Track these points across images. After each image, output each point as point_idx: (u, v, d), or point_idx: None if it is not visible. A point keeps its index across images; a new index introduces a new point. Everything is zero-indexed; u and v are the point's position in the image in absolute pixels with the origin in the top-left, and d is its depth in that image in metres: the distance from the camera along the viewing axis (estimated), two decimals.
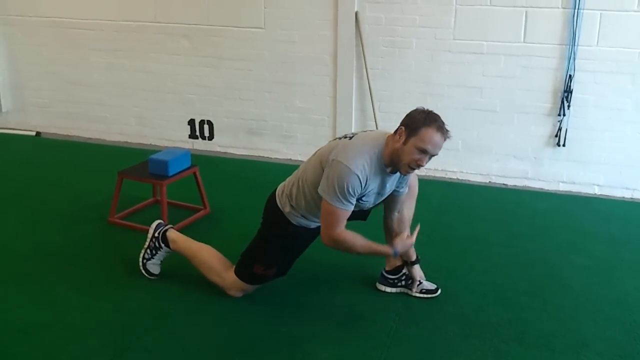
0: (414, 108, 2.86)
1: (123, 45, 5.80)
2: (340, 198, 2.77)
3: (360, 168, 2.75)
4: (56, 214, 4.28)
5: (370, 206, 3.04)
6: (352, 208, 2.83)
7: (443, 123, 2.77)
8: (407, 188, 3.13)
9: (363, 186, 2.79)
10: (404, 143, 2.76)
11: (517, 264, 3.70)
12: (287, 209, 3.05)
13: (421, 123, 2.74)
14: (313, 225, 3.09)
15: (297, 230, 3.08)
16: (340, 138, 2.97)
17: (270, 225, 3.14)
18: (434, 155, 2.80)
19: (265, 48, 5.42)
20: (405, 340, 2.93)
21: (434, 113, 2.80)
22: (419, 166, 2.78)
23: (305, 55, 5.33)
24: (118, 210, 4.17)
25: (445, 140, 2.79)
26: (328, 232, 2.86)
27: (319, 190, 2.82)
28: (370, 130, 3.00)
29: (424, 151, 2.75)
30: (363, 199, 2.88)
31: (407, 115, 2.83)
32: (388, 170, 2.87)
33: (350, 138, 2.89)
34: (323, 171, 2.84)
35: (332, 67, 5.29)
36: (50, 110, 6.23)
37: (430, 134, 2.73)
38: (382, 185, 2.92)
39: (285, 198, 3.07)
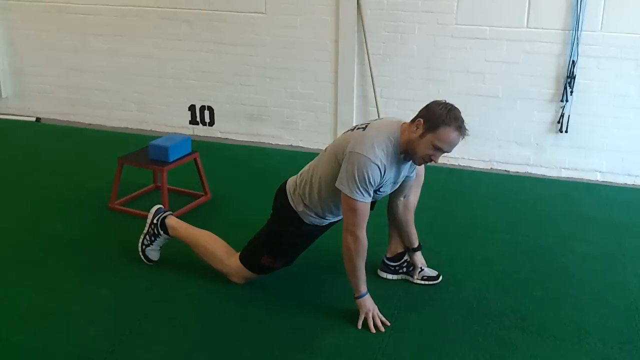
0: (434, 100, 2.79)
1: (124, 31, 5.76)
2: (361, 190, 2.73)
3: (380, 158, 2.72)
4: (56, 200, 4.27)
5: (384, 196, 3.03)
6: (370, 200, 2.80)
7: (463, 121, 2.73)
8: (415, 174, 3.11)
9: (382, 176, 2.77)
10: (421, 136, 2.72)
11: (518, 251, 3.69)
12: (300, 208, 3.02)
13: (441, 121, 2.68)
14: (325, 222, 3.09)
15: (310, 229, 3.08)
16: (352, 130, 2.92)
17: (283, 222, 3.11)
18: (447, 152, 2.78)
19: (267, 33, 5.38)
20: (407, 327, 2.93)
21: (455, 109, 2.73)
22: (431, 160, 2.78)
23: (306, 40, 5.30)
24: (118, 197, 4.17)
25: (462, 138, 2.76)
26: (353, 230, 2.80)
27: (337, 184, 2.78)
28: (381, 119, 2.96)
29: (439, 149, 2.73)
30: (381, 189, 2.86)
31: (426, 107, 2.76)
32: (403, 158, 2.84)
33: (364, 129, 2.83)
34: (339, 165, 2.80)
35: (334, 53, 5.25)
36: (51, 96, 6.21)
37: (449, 134, 2.69)
38: (398, 174, 2.90)
39: (298, 197, 3.03)
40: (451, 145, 2.74)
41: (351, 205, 2.77)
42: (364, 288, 2.94)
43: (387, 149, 2.76)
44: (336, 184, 2.79)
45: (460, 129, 2.71)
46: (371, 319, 2.91)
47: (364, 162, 2.71)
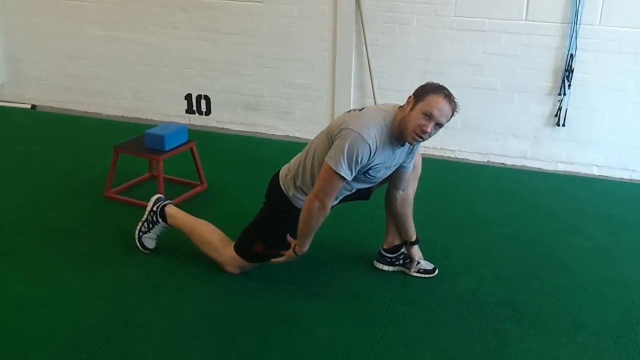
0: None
1: (120, 18, 5.72)
2: (346, 164, 2.73)
3: (372, 137, 2.73)
4: (52, 188, 4.25)
5: (377, 181, 3.02)
6: (350, 179, 2.80)
7: (452, 95, 2.76)
8: (412, 165, 3.10)
9: (371, 156, 2.76)
10: (411, 109, 2.74)
11: (515, 244, 3.69)
12: (290, 192, 3.02)
13: (429, 89, 2.75)
14: None
15: (299, 214, 3.06)
16: (349, 112, 2.95)
17: (274, 207, 3.12)
18: (439, 125, 2.73)
19: (264, 22, 5.35)
20: (402, 320, 2.93)
21: (445, 86, 2.80)
22: (423, 132, 2.71)
23: (304, 30, 5.27)
24: (114, 185, 4.15)
25: (453, 111, 2.76)
26: (323, 198, 2.81)
27: (326, 158, 2.78)
28: (379, 104, 2.98)
29: (429, 116, 2.69)
30: (370, 172, 2.85)
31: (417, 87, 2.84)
32: (397, 142, 2.84)
33: (360, 110, 2.88)
34: (332, 143, 2.80)
35: (331, 43, 5.23)
36: (46, 83, 6.17)
37: (437, 99, 2.71)
38: (391, 159, 2.90)
39: (289, 180, 3.04)
40: (440, 111, 2.70)
41: (329, 177, 2.77)
42: (307, 247, 3.00)
43: (381, 130, 2.77)
44: (325, 158, 2.79)
45: (448, 97, 2.73)
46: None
47: (355, 139, 2.71)
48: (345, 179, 2.77)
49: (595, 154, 4.91)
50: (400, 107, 2.84)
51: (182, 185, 4.30)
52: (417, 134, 2.72)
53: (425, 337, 2.81)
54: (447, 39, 4.95)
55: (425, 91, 2.75)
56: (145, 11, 5.62)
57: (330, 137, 2.84)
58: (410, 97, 2.79)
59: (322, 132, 3.00)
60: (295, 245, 2.99)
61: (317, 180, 2.84)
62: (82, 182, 4.35)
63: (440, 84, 2.80)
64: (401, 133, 2.78)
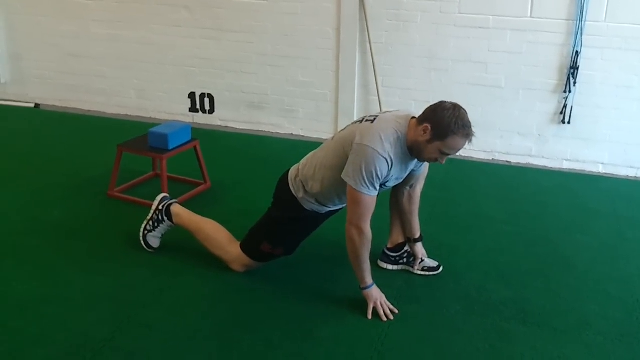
0: (440, 101, 2.74)
1: (124, 17, 5.72)
2: (367, 183, 2.71)
3: (388, 151, 2.70)
4: (55, 187, 4.25)
5: (388, 189, 3.01)
6: (376, 194, 2.78)
7: (470, 125, 2.69)
8: (422, 169, 3.10)
9: (390, 169, 2.75)
10: (429, 142, 2.70)
11: (520, 242, 3.68)
12: (300, 195, 3.01)
13: (449, 129, 2.65)
14: (324, 210, 3.07)
15: (309, 215, 3.06)
16: (360, 121, 2.89)
17: (282, 208, 3.11)
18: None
19: (268, 20, 5.34)
20: (407, 318, 2.92)
21: (462, 114, 2.68)
22: (436, 161, 2.80)
23: (308, 28, 5.26)
24: (117, 184, 4.14)
25: (470, 142, 2.74)
26: (357, 223, 2.78)
27: (343, 175, 2.76)
28: (390, 112, 2.94)
29: (446, 154, 2.74)
30: (386, 184, 2.85)
31: (433, 110, 2.71)
32: (410, 155, 2.82)
33: (372, 121, 2.81)
34: (346, 156, 2.77)
35: (335, 41, 5.22)
36: (50, 82, 6.17)
37: (457, 142, 2.69)
38: (404, 170, 2.89)
39: (298, 183, 3.02)
40: (458, 151, 2.75)
41: (356, 198, 2.75)
42: (369, 279, 2.93)
43: (395, 143, 2.73)
44: (342, 176, 2.77)
45: (468, 136, 2.69)
46: (380, 307, 2.91)
47: (371, 155, 2.68)
48: (371, 196, 2.75)
49: (601, 152, 4.88)
50: (414, 118, 2.79)
51: (185, 184, 4.29)
52: (430, 161, 2.85)
53: (429, 336, 2.80)
54: (452, 36, 4.92)
55: (446, 130, 2.65)
56: (148, 10, 5.62)
57: (344, 149, 2.81)
58: (425, 125, 2.68)
59: (334, 138, 2.98)
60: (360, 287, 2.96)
61: (347, 206, 2.83)
62: (85, 181, 4.35)
63: (458, 111, 2.67)
64: (413, 151, 2.78)
